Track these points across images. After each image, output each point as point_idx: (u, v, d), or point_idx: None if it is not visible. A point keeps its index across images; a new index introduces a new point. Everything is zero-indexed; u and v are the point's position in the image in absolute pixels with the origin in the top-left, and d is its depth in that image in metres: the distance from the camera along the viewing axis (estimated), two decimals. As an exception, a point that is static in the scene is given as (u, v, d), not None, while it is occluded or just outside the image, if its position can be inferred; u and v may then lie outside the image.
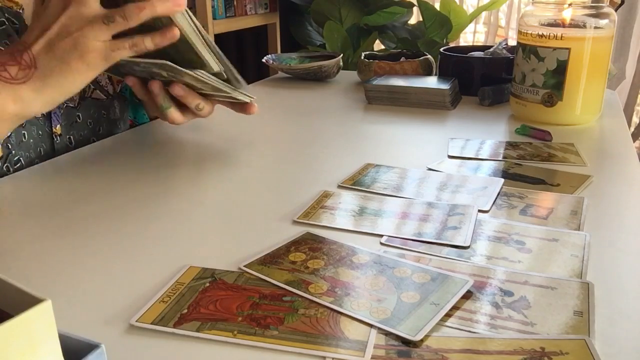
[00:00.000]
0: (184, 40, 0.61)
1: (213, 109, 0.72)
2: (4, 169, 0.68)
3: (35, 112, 0.59)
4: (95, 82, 0.82)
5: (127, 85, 0.87)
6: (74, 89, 0.60)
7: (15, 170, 0.68)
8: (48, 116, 0.74)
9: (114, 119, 0.85)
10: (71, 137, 0.77)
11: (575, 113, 0.84)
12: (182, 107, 0.70)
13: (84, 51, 0.58)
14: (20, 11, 0.70)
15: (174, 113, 0.70)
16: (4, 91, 0.57)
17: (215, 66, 0.65)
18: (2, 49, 0.60)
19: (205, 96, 0.69)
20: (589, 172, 0.65)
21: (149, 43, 0.60)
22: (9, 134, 0.68)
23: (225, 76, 0.67)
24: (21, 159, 0.70)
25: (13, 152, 0.69)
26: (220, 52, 0.65)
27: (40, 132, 0.73)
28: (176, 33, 0.60)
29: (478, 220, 0.52)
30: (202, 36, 0.63)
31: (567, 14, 0.82)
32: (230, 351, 0.35)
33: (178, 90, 0.66)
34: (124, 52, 0.59)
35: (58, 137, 0.75)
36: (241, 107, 0.72)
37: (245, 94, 0.69)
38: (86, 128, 0.80)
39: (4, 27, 0.67)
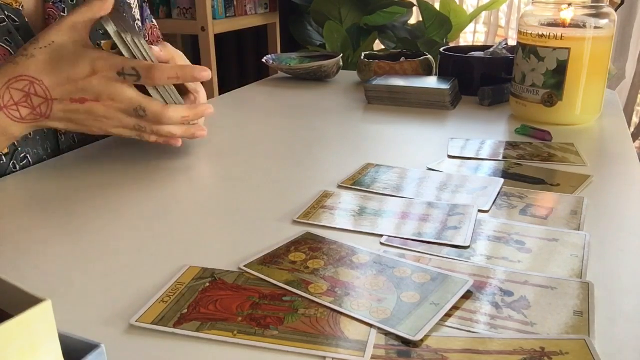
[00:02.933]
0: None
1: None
2: (11, 165, 0.68)
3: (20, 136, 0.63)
4: None
5: None
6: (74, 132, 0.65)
7: (22, 167, 0.69)
8: None
9: None
10: (75, 135, 0.78)
11: (575, 113, 0.84)
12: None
13: (101, 131, 0.63)
14: (20, 8, 0.70)
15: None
16: (9, 126, 0.59)
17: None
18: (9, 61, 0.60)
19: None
20: (589, 172, 0.65)
21: (153, 138, 0.65)
22: None
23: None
24: (28, 155, 0.70)
25: (19, 148, 0.69)
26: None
27: (45, 130, 0.73)
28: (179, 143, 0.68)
29: (478, 220, 0.52)
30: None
31: (567, 14, 0.82)
32: (230, 351, 0.35)
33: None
34: (130, 135, 0.64)
35: (62, 136, 0.75)
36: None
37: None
38: None
39: (4, 24, 0.68)
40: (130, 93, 0.60)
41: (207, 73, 0.62)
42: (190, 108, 0.64)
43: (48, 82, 0.58)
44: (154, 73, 0.60)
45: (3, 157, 0.67)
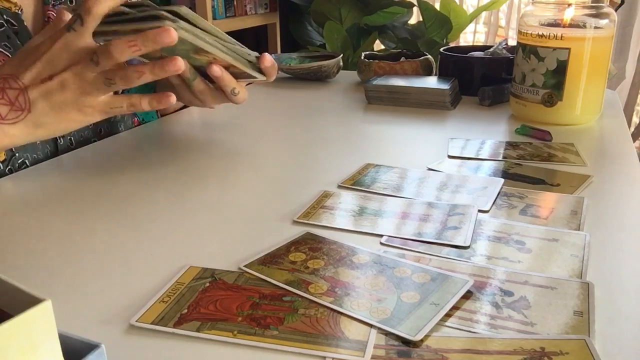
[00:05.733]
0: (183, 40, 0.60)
1: (246, 97, 0.72)
2: (7, 171, 0.67)
3: (25, 143, 0.61)
4: None
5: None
6: (67, 131, 0.62)
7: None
8: None
9: (115, 120, 0.85)
10: (72, 138, 0.77)
11: (575, 113, 0.84)
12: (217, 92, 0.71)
13: (83, 106, 0.59)
14: (19, 12, 0.70)
15: (200, 84, 0.70)
16: None
17: (228, 57, 0.65)
18: None
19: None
20: (589, 172, 0.65)
21: (145, 105, 0.62)
22: None
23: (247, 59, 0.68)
24: (26, 160, 0.70)
25: (17, 154, 0.69)
26: (235, 43, 0.65)
27: None
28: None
29: (478, 220, 0.52)
30: (211, 34, 0.62)
31: (567, 14, 0.82)
32: (230, 351, 0.35)
33: (216, 70, 0.66)
34: (121, 110, 0.61)
35: (61, 139, 0.75)
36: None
37: (255, 72, 0.69)
38: (87, 129, 0.80)
39: (2, 28, 0.67)
40: (83, 42, 0.58)
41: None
42: (138, 35, 0.57)
43: (16, 71, 0.58)
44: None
45: (0, 164, 0.67)
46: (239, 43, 0.66)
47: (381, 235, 0.50)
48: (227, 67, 0.67)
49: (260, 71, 0.69)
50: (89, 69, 0.57)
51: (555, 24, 0.82)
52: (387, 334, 0.36)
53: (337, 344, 0.35)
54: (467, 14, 2.52)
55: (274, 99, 1.07)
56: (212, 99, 0.72)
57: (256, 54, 0.68)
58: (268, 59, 0.69)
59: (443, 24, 2.35)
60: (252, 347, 0.35)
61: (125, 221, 0.54)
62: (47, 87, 0.58)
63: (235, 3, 2.34)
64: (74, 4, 0.75)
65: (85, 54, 0.57)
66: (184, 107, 0.96)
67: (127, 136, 0.82)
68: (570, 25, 0.81)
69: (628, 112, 2.50)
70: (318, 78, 1.21)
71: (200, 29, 0.60)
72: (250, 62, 0.67)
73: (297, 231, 0.51)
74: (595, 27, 0.80)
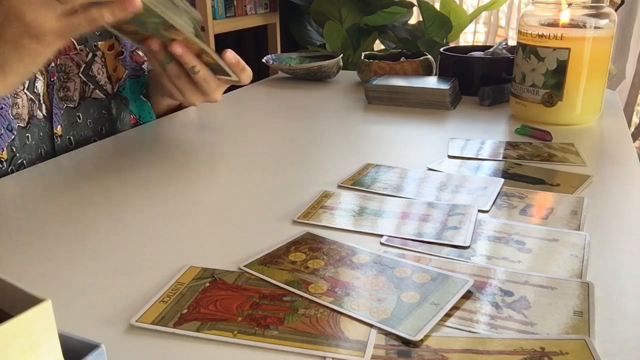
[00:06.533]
0: (149, 9, 0.58)
1: (213, 83, 0.72)
2: (9, 171, 0.67)
3: (2, 94, 0.58)
4: (94, 82, 0.82)
5: (125, 85, 0.87)
6: (35, 68, 0.58)
7: None
8: (49, 117, 0.74)
9: (116, 118, 0.85)
10: (71, 137, 0.77)
11: (575, 113, 0.84)
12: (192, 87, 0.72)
13: (39, 33, 0.54)
14: None
15: (174, 67, 0.70)
16: None
17: (191, 32, 0.65)
18: None
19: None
20: (589, 172, 0.65)
21: (107, 16, 0.54)
22: (13, 137, 0.68)
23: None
24: (24, 162, 0.70)
25: (17, 154, 0.69)
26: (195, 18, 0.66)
27: (42, 134, 0.73)
28: (137, 3, 0.55)
29: (478, 220, 0.52)
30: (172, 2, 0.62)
31: (567, 14, 0.82)
32: (230, 351, 0.35)
33: (176, 47, 0.66)
34: (82, 29, 0.55)
35: (58, 138, 0.75)
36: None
37: (227, 67, 0.70)
38: (87, 128, 0.80)
39: None
40: None
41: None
42: None
43: None
44: None
45: (4, 162, 0.67)
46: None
47: (381, 235, 0.50)
48: (200, 56, 0.68)
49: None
50: None
51: (555, 24, 0.82)
52: (387, 334, 0.36)
53: (337, 344, 0.35)
54: (467, 14, 2.52)
55: (274, 99, 1.07)
56: (187, 86, 0.73)
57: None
58: (230, 56, 0.70)
59: (443, 24, 2.35)
60: (252, 347, 0.35)
61: (125, 221, 0.54)
62: None
63: (235, 3, 2.34)
64: None
65: None
66: (180, 107, 0.96)
67: (126, 136, 0.82)
68: (570, 25, 0.81)
69: (628, 112, 2.50)
70: (318, 78, 1.21)
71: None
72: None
73: (297, 231, 0.51)
74: (595, 27, 0.80)
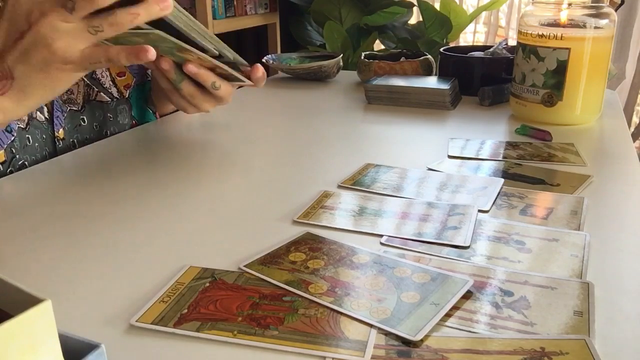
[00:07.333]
0: (181, 35, 0.60)
1: (231, 92, 0.72)
2: (8, 173, 0.67)
3: (18, 117, 0.59)
4: (99, 85, 0.81)
5: (132, 91, 0.87)
6: (55, 95, 0.59)
7: None
8: (50, 120, 0.74)
9: (121, 122, 0.85)
10: (74, 140, 0.77)
11: (575, 113, 0.84)
12: (202, 94, 0.71)
13: (64, 62, 0.55)
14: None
15: (188, 86, 0.70)
16: None
17: (215, 51, 0.66)
18: None
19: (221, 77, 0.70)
20: (589, 172, 0.65)
21: (123, 58, 0.56)
22: (12, 138, 0.68)
23: (232, 58, 0.69)
24: (26, 163, 0.70)
25: (17, 156, 0.68)
26: (217, 39, 0.66)
27: (44, 136, 0.73)
28: (150, 55, 0.56)
29: (478, 220, 0.52)
30: (196, 29, 0.62)
31: (567, 14, 0.82)
32: (230, 351, 0.35)
33: (191, 67, 0.66)
34: (100, 65, 0.57)
35: (60, 142, 0.75)
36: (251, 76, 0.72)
37: (240, 76, 0.70)
38: (92, 131, 0.80)
39: None
40: None
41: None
42: None
43: None
44: None
45: (2, 164, 0.67)
46: (225, 46, 0.67)
47: (381, 235, 0.50)
48: (214, 69, 0.68)
49: (242, 72, 0.70)
50: (63, 17, 0.53)
51: (555, 24, 0.82)
52: (387, 334, 0.36)
53: (337, 344, 0.35)
54: (467, 14, 2.52)
55: (273, 99, 1.07)
56: (203, 101, 0.72)
57: (245, 63, 0.70)
58: (259, 70, 0.69)
59: (443, 24, 2.35)
60: (252, 347, 0.35)
61: (125, 221, 0.54)
62: (22, 47, 0.54)
63: (235, 3, 2.34)
64: None
65: (54, 1, 0.53)
66: None
67: (126, 137, 0.82)
68: (570, 25, 0.81)
69: (628, 112, 2.50)
70: (318, 78, 1.21)
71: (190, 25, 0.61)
72: (233, 65, 0.68)
73: (297, 231, 0.51)
74: (595, 27, 0.80)
